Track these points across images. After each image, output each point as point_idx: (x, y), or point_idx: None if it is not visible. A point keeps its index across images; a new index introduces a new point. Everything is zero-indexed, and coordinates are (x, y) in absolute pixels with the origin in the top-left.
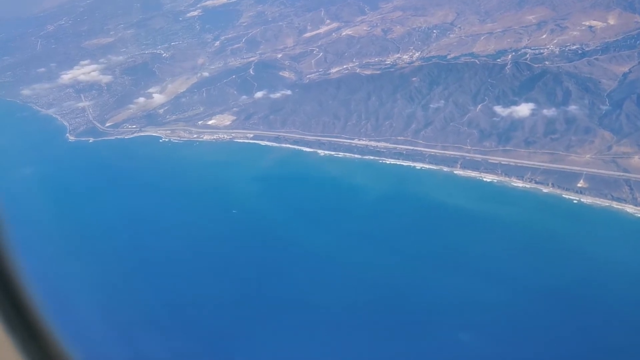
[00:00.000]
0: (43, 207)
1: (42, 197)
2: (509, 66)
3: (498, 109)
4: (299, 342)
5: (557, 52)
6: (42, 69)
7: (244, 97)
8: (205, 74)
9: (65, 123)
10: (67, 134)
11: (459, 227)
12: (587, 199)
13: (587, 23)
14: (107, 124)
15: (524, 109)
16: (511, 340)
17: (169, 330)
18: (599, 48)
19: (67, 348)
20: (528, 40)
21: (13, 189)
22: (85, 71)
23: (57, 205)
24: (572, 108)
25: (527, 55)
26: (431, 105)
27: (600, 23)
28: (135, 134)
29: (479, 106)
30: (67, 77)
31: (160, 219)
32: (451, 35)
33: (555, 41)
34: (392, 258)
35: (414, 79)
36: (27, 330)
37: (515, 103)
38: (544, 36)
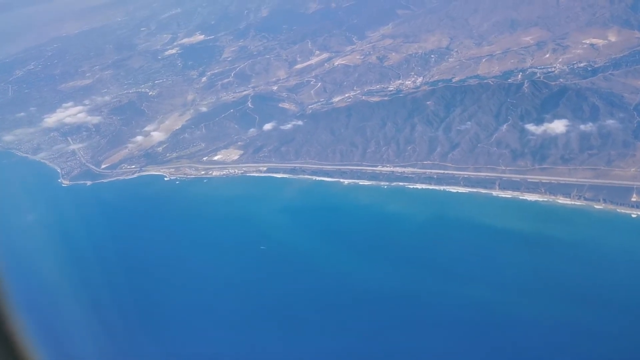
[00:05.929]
0: (56, 258)
1: (53, 247)
2: (526, 85)
3: (530, 127)
4: None
5: (567, 70)
6: (22, 114)
7: (252, 129)
8: (204, 109)
9: (56, 167)
10: (60, 179)
11: (530, 251)
12: None
13: (588, 41)
14: (103, 166)
15: (558, 126)
16: None
17: None
18: (608, 64)
19: None
20: (532, 60)
21: (20, 238)
22: (71, 113)
23: (72, 255)
24: (605, 123)
25: (538, 74)
26: (453, 128)
27: (601, 40)
28: (136, 174)
29: (504, 126)
30: (51, 120)
31: (186, 263)
32: (450, 60)
33: (560, 60)
34: (472, 289)
35: (428, 102)
36: None
37: (544, 120)
38: (547, 55)
